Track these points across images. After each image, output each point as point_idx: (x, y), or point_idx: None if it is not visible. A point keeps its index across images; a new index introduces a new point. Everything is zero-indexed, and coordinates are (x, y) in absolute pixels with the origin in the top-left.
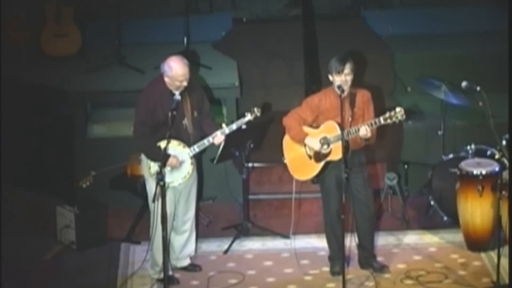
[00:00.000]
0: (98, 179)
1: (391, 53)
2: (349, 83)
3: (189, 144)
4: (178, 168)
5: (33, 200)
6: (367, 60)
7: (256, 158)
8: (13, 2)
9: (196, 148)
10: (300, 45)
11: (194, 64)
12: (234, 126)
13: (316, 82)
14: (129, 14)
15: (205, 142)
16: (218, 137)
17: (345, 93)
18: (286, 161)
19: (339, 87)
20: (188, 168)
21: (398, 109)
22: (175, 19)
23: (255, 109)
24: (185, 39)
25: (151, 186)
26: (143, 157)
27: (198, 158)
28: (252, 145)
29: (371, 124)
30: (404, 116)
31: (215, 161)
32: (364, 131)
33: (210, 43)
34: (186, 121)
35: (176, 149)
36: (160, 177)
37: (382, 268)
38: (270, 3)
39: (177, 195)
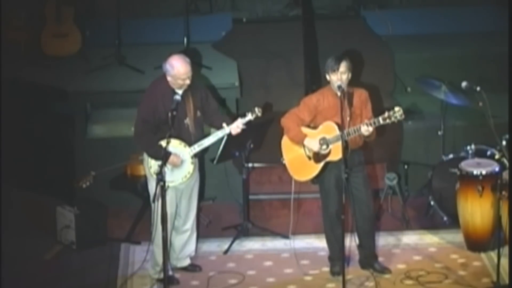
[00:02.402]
0: (98, 179)
1: (391, 53)
2: (345, 81)
3: (190, 143)
4: (179, 166)
5: (33, 200)
6: (367, 60)
7: (256, 158)
8: (13, 2)
9: (196, 147)
10: (300, 45)
11: (194, 64)
12: (234, 125)
13: (316, 82)
14: (129, 14)
15: (205, 141)
16: (235, 127)
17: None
18: (285, 162)
19: (339, 87)
20: (188, 167)
21: (397, 108)
22: (175, 19)
23: (256, 109)
24: (185, 39)
25: (152, 186)
26: (145, 156)
27: (200, 158)
28: (252, 145)
29: (370, 124)
30: (403, 116)
31: (215, 161)
32: (365, 130)
33: (210, 43)
34: (188, 121)
35: (177, 148)
36: (160, 177)
37: (383, 271)
38: (270, 3)
39: (179, 195)
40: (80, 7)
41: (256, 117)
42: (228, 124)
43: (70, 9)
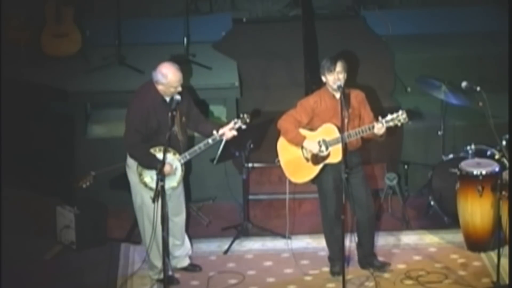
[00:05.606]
0: (98, 179)
1: (391, 53)
2: (342, 81)
3: (178, 150)
4: (171, 175)
5: (33, 200)
6: (367, 60)
7: (256, 158)
8: (13, 2)
9: (187, 156)
10: (300, 45)
11: (193, 64)
12: (227, 130)
13: (316, 82)
14: (129, 14)
15: (197, 149)
16: (228, 133)
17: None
18: (281, 163)
19: (339, 87)
20: (178, 175)
21: (400, 112)
22: (175, 19)
23: (245, 115)
24: (185, 39)
25: (142, 194)
26: (130, 163)
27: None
28: (252, 145)
29: (382, 123)
30: (406, 119)
31: (215, 161)
32: (379, 128)
33: (210, 43)
34: (175, 128)
35: (168, 156)
36: (160, 177)
37: (384, 266)
38: (270, 3)
39: (167, 200)
40: (80, 7)
41: (245, 123)
42: (217, 131)
43: (70, 9)
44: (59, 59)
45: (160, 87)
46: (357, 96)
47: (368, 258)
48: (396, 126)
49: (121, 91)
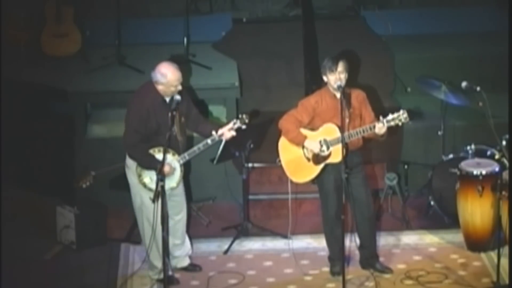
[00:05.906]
0: (98, 179)
1: (391, 53)
2: (343, 81)
3: (178, 151)
4: (170, 175)
5: (33, 200)
6: (367, 60)
7: (256, 158)
8: (13, 2)
9: (186, 156)
10: (300, 45)
11: (193, 64)
12: (226, 130)
13: (316, 82)
14: (129, 14)
15: (196, 149)
16: (226, 134)
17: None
18: (282, 163)
19: (340, 87)
20: (177, 176)
21: (401, 111)
22: (175, 19)
23: (244, 116)
24: (185, 39)
25: (141, 194)
26: (130, 164)
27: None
28: (252, 145)
29: (383, 122)
30: (407, 119)
31: (215, 161)
32: (380, 128)
33: (210, 43)
34: (175, 128)
35: (167, 157)
36: (160, 177)
37: (385, 270)
38: (270, 3)
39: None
40: (80, 7)
41: (244, 124)
42: (216, 131)
43: (70, 9)
44: (59, 59)
45: (160, 87)
46: (358, 96)
47: (370, 260)
48: (397, 125)
49: (121, 91)
